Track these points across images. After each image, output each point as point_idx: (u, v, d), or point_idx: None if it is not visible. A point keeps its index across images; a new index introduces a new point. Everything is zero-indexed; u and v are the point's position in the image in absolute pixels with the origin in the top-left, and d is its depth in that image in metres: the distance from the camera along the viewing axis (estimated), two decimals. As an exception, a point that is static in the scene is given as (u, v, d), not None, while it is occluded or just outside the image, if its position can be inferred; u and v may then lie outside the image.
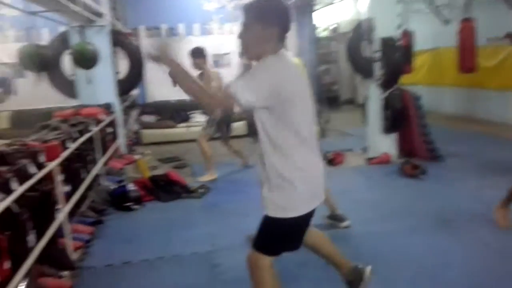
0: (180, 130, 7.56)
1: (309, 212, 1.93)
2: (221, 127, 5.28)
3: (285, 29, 1.87)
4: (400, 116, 5.44)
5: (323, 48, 11.29)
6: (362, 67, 5.85)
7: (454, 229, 3.45)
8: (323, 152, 5.88)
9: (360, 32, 5.73)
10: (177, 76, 1.81)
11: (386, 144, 5.65)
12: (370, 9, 5.53)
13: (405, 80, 6.03)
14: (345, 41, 7.26)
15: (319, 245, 2.35)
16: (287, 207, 1.87)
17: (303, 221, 1.95)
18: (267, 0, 1.87)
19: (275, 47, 1.84)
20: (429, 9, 8.59)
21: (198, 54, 5.02)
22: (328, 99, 10.02)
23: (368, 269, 2.41)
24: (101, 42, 5.31)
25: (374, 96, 5.65)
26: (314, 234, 2.33)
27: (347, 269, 2.39)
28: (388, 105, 5.45)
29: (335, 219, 3.58)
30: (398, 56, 5.32)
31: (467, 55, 6.93)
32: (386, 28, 5.39)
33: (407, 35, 8.01)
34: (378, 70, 5.47)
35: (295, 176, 1.85)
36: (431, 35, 9.10)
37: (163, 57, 1.78)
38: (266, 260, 1.96)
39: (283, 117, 1.80)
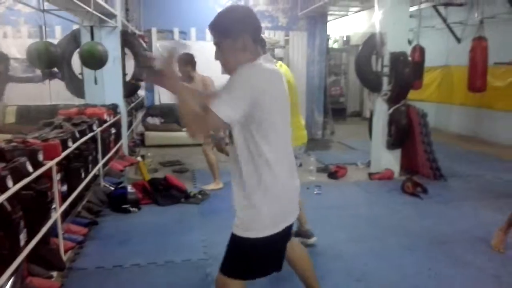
0: (184, 134, 7.49)
1: (277, 232, 1.81)
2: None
3: (255, 31, 1.79)
4: (404, 133, 5.40)
5: (333, 59, 11.29)
6: (370, 81, 5.82)
7: (450, 251, 3.41)
8: (324, 164, 5.94)
9: (370, 45, 5.71)
10: (175, 90, 1.70)
11: (389, 160, 5.61)
12: (382, 23, 5.50)
13: (413, 96, 6.01)
14: (355, 53, 7.25)
15: (299, 264, 2.29)
16: (251, 227, 1.78)
17: (271, 242, 1.81)
18: (227, 11, 1.80)
19: (252, 54, 1.76)
20: (442, 26, 8.57)
21: (185, 60, 4.61)
22: (335, 110, 10.00)
23: None
24: (111, 43, 5.35)
25: (379, 111, 5.62)
26: (298, 251, 2.29)
27: None
28: (393, 120, 5.42)
29: (303, 235, 3.42)
30: (407, 71, 5.28)
31: (477, 74, 6.90)
32: (398, 42, 5.36)
33: (419, 50, 8.01)
34: (386, 85, 5.44)
35: (261, 197, 1.76)
36: (442, 52, 9.08)
37: (166, 66, 1.68)
38: (236, 285, 1.86)
39: (258, 131, 1.71)
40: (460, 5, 7.77)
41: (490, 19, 7.18)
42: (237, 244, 1.83)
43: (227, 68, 1.80)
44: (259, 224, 1.78)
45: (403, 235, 3.72)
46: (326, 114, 9.06)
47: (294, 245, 2.28)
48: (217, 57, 1.81)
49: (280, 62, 3.27)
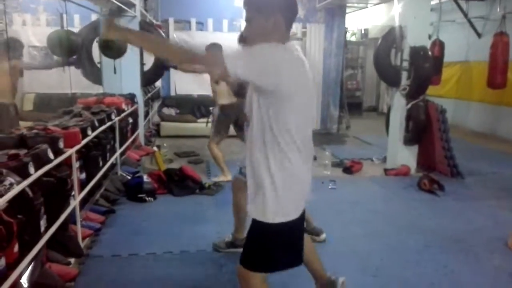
0: (199, 125, 7.57)
1: (298, 217, 1.77)
2: (222, 127, 5.05)
3: (290, 16, 1.73)
4: (422, 128, 5.33)
5: (350, 52, 11.18)
6: (388, 75, 5.75)
7: (466, 249, 3.37)
8: (339, 159, 5.91)
9: (390, 39, 5.63)
10: (135, 41, 1.81)
11: (406, 156, 5.55)
12: (402, 16, 5.42)
13: (431, 91, 5.91)
14: (373, 47, 7.17)
15: (308, 257, 2.25)
16: (274, 211, 1.71)
17: (294, 227, 1.77)
18: None
19: (282, 37, 1.71)
20: (462, 21, 8.41)
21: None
22: (351, 105, 9.93)
23: (340, 280, 2.37)
24: (129, 33, 5.36)
25: (397, 106, 5.55)
26: (308, 245, 2.22)
27: (324, 281, 2.36)
28: (411, 116, 5.36)
29: (312, 233, 3.36)
30: (427, 66, 5.19)
31: (497, 71, 6.77)
32: (418, 36, 5.28)
33: (438, 45, 7.88)
34: (405, 79, 5.37)
35: (284, 180, 1.70)
36: (462, 47, 8.91)
37: (111, 31, 1.74)
38: (257, 278, 1.82)
39: (276, 111, 1.64)
40: (482, -1, 7.61)
41: (513, 14, 7.03)
42: (258, 231, 1.77)
43: None
44: (282, 208, 1.72)
45: (419, 232, 3.69)
46: (342, 108, 9.01)
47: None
48: (246, 33, 1.76)
49: None
